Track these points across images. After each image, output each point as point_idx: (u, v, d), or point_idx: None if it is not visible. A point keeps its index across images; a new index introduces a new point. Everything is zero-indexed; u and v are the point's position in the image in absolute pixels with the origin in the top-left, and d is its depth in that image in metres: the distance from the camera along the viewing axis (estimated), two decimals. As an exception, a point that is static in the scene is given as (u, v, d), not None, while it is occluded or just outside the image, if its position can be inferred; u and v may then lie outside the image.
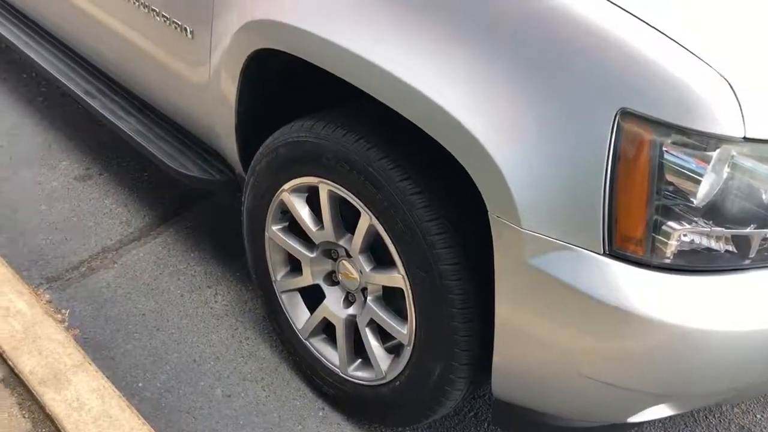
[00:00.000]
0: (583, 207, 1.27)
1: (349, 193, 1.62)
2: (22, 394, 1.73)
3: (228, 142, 1.97)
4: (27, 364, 1.77)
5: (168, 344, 2.07)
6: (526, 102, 1.30)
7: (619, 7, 1.25)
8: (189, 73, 2.00)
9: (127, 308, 2.17)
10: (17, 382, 1.75)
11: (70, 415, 1.64)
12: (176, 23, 1.93)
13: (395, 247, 1.57)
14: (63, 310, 2.12)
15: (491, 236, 1.38)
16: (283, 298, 1.94)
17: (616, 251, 1.28)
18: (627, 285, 1.28)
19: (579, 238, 1.29)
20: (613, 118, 1.22)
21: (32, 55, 2.66)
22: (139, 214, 2.54)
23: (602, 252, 1.28)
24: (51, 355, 1.80)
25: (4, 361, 1.79)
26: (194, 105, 2.07)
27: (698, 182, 1.23)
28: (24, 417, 1.68)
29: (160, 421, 1.85)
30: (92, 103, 2.41)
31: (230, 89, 1.82)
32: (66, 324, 2.06)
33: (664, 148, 1.22)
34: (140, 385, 1.95)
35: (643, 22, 1.24)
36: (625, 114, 1.21)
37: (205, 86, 1.94)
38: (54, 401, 1.67)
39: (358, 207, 1.62)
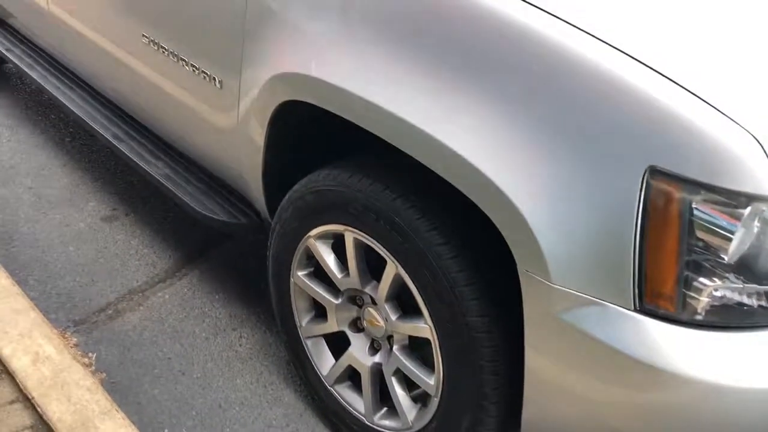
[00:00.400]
0: (613, 263, 1.27)
1: (376, 242, 1.63)
2: (51, 441, 1.75)
3: (255, 188, 1.99)
4: (56, 411, 1.78)
5: (194, 389, 2.07)
6: (554, 157, 1.30)
7: (647, 65, 1.26)
8: (217, 120, 2.03)
9: (153, 352, 2.18)
10: (46, 429, 1.76)
11: (97, 464, 1.65)
12: (205, 73, 1.96)
13: (422, 298, 1.57)
14: (90, 354, 2.13)
15: (520, 289, 1.38)
16: (308, 344, 1.94)
17: (646, 307, 1.27)
18: (658, 341, 1.27)
19: (609, 294, 1.28)
20: (641, 175, 1.22)
21: (62, 99, 2.72)
22: (164, 255, 2.56)
23: (633, 308, 1.27)
24: (79, 402, 1.81)
25: (34, 407, 1.81)
26: (222, 151, 2.10)
27: (729, 239, 1.23)
28: (52, 465, 1.69)
29: (186, 468, 1.85)
30: (120, 147, 2.45)
31: (258, 137, 1.85)
32: (93, 368, 2.07)
33: (693, 206, 1.22)
34: (166, 431, 1.95)
35: (670, 80, 1.24)
36: (654, 171, 1.22)
37: (233, 133, 1.97)
38: (82, 450, 1.68)
39: (384, 256, 1.63)
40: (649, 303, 1.27)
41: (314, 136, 1.84)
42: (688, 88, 1.23)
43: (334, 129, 1.73)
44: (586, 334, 1.31)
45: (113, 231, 2.66)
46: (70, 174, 2.94)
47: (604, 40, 1.29)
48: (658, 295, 1.26)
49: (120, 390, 2.04)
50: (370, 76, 1.53)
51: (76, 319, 2.27)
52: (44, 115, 3.31)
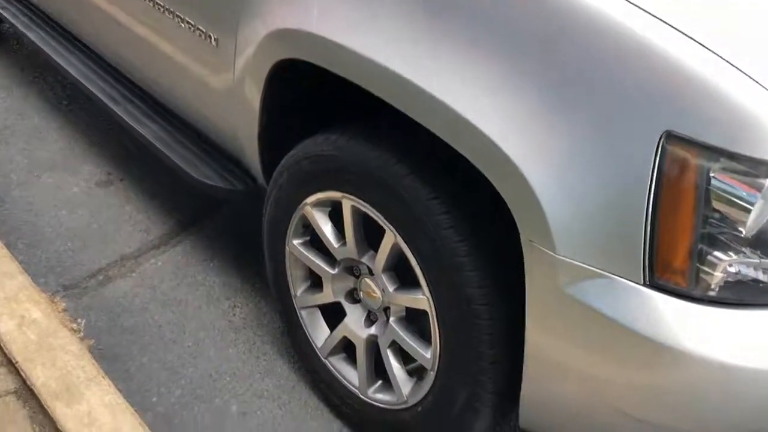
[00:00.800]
0: (623, 235, 1.20)
1: (374, 210, 1.56)
2: (34, 407, 1.69)
3: (250, 152, 1.92)
4: (40, 377, 1.73)
5: (184, 358, 2.02)
6: (563, 119, 1.23)
7: (667, 23, 1.17)
8: (212, 80, 1.95)
9: (144, 319, 2.13)
10: (29, 394, 1.71)
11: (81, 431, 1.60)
12: (201, 30, 1.88)
13: (420, 268, 1.51)
14: (79, 320, 2.08)
15: (523, 260, 1.31)
16: (303, 315, 1.88)
17: (657, 282, 1.20)
18: (668, 318, 1.20)
19: (618, 267, 1.21)
20: (657, 140, 1.15)
21: (58, 59, 2.64)
22: (159, 221, 2.50)
23: (642, 282, 1.20)
24: (65, 368, 1.76)
25: (18, 372, 1.75)
26: (217, 112, 2.03)
27: (747, 210, 1.15)
28: (34, 431, 1.64)
29: (174, 438, 1.80)
30: (115, 109, 2.37)
31: (254, 97, 1.77)
32: (81, 334, 2.01)
33: (711, 174, 1.14)
34: (154, 400, 1.90)
35: (692, 39, 1.16)
36: (671, 137, 1.14)
37: (229, 93, 1.89)
38: (65, 416, 1.62)
39: (382, 224, 1.56)
40: (659, 277, 1.19)
41: (314, 98, 1.77)
42: (711, 48, 1.14)
43: (335, 90, 1.65)
44: (591, 308, 1.24)
45: (107, 196, 2.59)
46: (65, 137, 2.87)
47: (621, -5, 1.20)
48: (670, 269, 1.19)
49: (108, 357, 1.99)
50: (371, 32, 1.44)
51: (66, 284, 2.22)
52: (41, 76, 3.23)
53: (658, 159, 1.15)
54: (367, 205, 1.57)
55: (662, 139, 1.14)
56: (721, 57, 1.14)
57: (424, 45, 1.36)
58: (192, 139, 2.23)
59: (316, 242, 1.80)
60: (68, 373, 1.74)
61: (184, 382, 1.95)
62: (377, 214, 1.55)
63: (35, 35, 2.78)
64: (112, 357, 1.99)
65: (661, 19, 1.17)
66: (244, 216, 2.51)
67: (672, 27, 1.17)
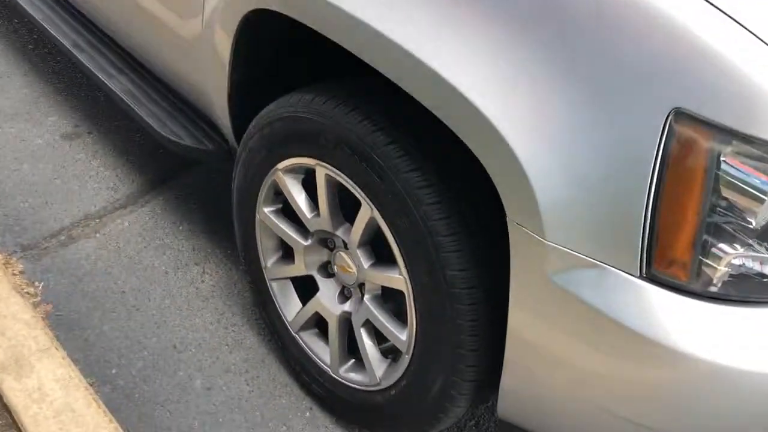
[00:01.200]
0: (620, 221, 1.08)
1: (349, 181, 1.43)
2: (-20, 379, 1.58)
3: (220, 109, 1.78)
4: (-13, 346, 1.61)
5: (147, 327, 1.91)
6: (557, 89, 1.10)
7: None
8: (179, 28, 1.80)
9: (107, 284, 2.01)
10: (-25, 365, 1.60)
11: (29, 408, 1.49)
12: (167, -27, 1.72)
13: (398, 246, 1.39)
14: (36, 283, 1.96)
15: (509, 243, 1.20)
16: (274, 287, 1.77)
17: (654, 274, 1.09)
18: (664, 314, 1.09)
19: (612, 256, 1.10)
20: (664, 118, 1.02)
21: (21, 1, 2.46)
22: (127, 179, 2.36)
23: (638, 274, 1.09)
24: (15, 337, 1.64)
25: (-36, 340, 1.64)
26: (185, 65, 1.88)
27: (759, 200, 1.04)
28: (-21, 405, 1.54)
29: (132, 414, 1.70)
30: (80, 57, 2.21)
31: (224, 50, 1.63)
32: (38, 298, 1.90)
33: (722, 158, 1.02)
34: (114, 372, 1.79)
35: (708, 2, 1.03)
36: (680, 114, 1.01)
37: (197, 43, 1.74)
38: (12, 390, 1.51)
39: (358, 197, 1.43)
40: (657, 269, 1.09)
41: (289, 53, 1.62)
42: (730, 14, 1.01)
43: (310, 46, 1.51)
44: (580, 300, 1.13)
45: (73, 149, 2.44)
46: (30, 84, 2.70)
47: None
48: (670, 261, 1.08)
49: (66, 324, 1.87)
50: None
51: (24, 244, 2.09)
52: (7, 18, 3.03)
53: (664, 138, 1.03)
54: (343, 175, 1.44)
55: (669, 117, 1.02)
56: (741, 25, 1.01)
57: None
58: (162, 94, 2.08)
59: (288, 211, 1.67)
60: (18, 344, 1.62)
61: (146, 353, 1.85)
62: (353, 184, 1.43)
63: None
64: (71, 324, 1.88)
65: (675, -20, 1.04)
66: (217, 177, 2.37)
67: (687, -11, 1.03)
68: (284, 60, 1.67)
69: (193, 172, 2.40)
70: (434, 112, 1.22)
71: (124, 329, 1.90)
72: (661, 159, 1.04)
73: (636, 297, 1.09)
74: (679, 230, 1.06)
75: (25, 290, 1.86)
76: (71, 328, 1.87)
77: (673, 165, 1.04)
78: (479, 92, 1.15)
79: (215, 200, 2.30)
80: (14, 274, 1.90)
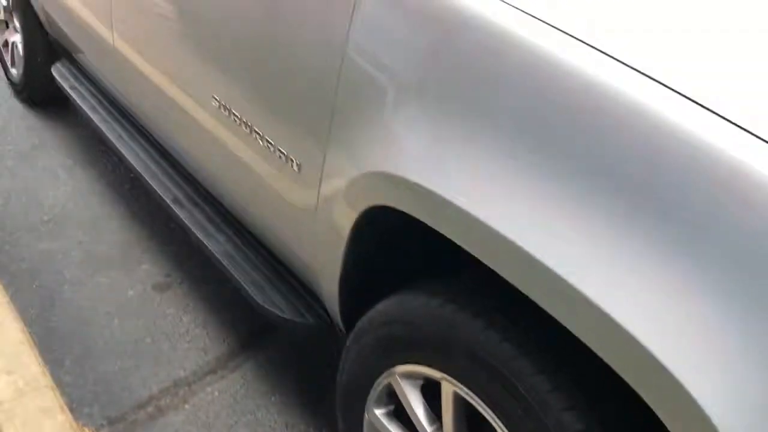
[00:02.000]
0: None
1: (485, 406, 1.25)
2: None
3: (328, 290, 1.65)
4: None
5: None
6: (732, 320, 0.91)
7: None
8: (291, 206, 1.70)
9: (195, 468, 1.86)
10: None
11: None
12: (281, 152, 1.64)
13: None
14: (122, 466, 1.82)
15: None
16: (381, 493, 1.57)
17: None
18: None
19: None
20: None
21: (121, 148, 2.47)
22: (218, 338, 2.24)
23: None
24: None
25: None
26: (294, 239, 1.77)
27: None
28: None
29: None
30: (179, 214, 2.15)
31: (339, 240, 1.51)
32: (123, 488, 1.75)
33: None
34: None
35: None
36: None
37: (309, 222, 1.63)
38: None
39: (493, 425, 1.24)
40: None
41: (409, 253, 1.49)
42: None
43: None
44: None
45: (164, 303, 2.36)
46: (124, 228, 2.67)
47: None
48: None
49: None
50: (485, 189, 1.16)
51: (112, 417, 1.97)
52: (107, 155, 3.06)
53: None
54: (476, 397, 1.26)
55: None
56: None
57: (557, 214, 1.07)
58: (263, 257, 1.98)
59: (400, 413, 1.50)
60: None
61: None
62: (489, 412, 1.24)
63: (99, 118, 2.63)
64: None
65: None
66: (314, 340, 2.23)
67: None
68: (405, 249, 1.54)
69: (285, 332, 2.27)
70: (600, 354, 1.04)
71: None
72: None
73: None
74: None
75: (110, 479, 1.71)
76: None
77: None
78: (650, 330, 0.97)
79: (309, 364, 2.15)
80: (100, 459, 1.77)
